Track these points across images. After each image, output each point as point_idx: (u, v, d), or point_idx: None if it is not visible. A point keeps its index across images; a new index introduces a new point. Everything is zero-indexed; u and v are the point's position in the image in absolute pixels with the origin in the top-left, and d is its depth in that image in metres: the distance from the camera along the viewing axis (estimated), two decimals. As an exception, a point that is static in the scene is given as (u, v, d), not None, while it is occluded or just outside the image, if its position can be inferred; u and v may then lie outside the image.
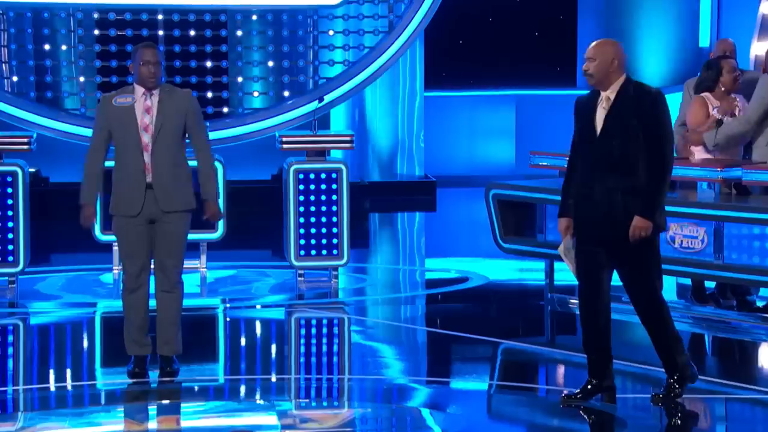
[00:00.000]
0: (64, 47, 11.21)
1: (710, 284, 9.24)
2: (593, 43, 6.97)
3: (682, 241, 8.51)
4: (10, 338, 8.97)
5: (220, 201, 10.54)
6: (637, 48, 15.90)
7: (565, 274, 7.82)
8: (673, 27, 15.75)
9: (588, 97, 7.00)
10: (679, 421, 6.90)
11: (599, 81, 6.87)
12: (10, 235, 10.03)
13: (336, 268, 10.40)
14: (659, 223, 6.83)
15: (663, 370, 6.94)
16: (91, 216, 7.55)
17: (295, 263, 10.34)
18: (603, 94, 6.90)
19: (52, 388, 7.62)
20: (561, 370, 8.08)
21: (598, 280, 6.86)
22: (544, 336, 8.80)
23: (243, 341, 8.93)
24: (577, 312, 7.06)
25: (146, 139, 7.46)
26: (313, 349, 8.65)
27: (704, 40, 14.63)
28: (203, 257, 10.80)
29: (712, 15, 13.83)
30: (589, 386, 6.91)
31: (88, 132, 11.00)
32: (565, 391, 7.02)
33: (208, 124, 10.70)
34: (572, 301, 8.88)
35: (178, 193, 7.47)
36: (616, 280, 6.96)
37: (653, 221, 6.77)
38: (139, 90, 7.53)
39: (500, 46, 16.15)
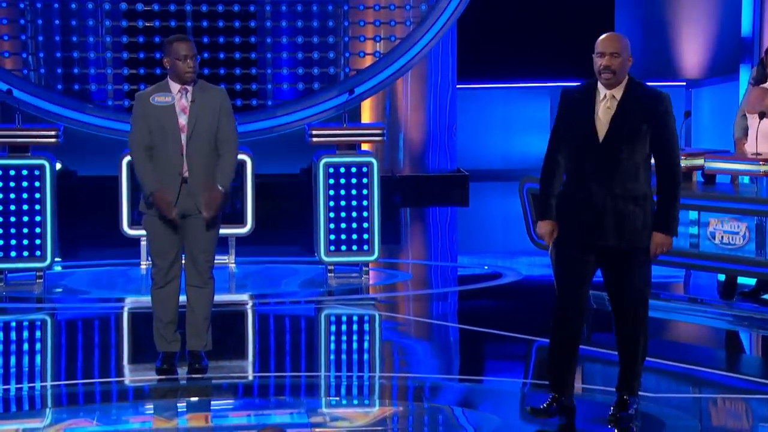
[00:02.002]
0: (91, 39, 11.14)
1: (750, 281, 9.10)
2: (610, 37, 6.32)
3: (722, 236, 8.34)
4: (38, 334, 8.92)
5: (248, 194, 10.47)
6: (676, 38, 15.68)
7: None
8: (713, 16, 15.50)
9: (582, 92, 6.35)
10: (720, 422, 6.75)
11: (619, 80, 6.28)
12: (38, 230, 9.96)
13: (366, 264, 10.29)
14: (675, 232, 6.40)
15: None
16: (169, 200, 7.28)
17: (325, 258, 10.23)
18: (607, 93, 6.28)
19: (80, 384, 7.54)
20: (596, 368, 7.94)
21: (579, 293, 6.50)
22: (579, 333, 8.65)
23: (272, 338, 8.84)
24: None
25: (183, 139, 7.36)
26: (344, 346, 8.57)
27: (746, 29, 14.37)
28: (232, 252, 10.72)
29: (754, 3, 13.58)
30: (553, 402, 6.49)
31: (115, 125, 10.96)
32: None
33: (237, 117, 10.66)
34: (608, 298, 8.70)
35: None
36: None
37: (672, 233, 6.34)
38: (175, 86, 7.40)
39: (535, 36, 15.97)
